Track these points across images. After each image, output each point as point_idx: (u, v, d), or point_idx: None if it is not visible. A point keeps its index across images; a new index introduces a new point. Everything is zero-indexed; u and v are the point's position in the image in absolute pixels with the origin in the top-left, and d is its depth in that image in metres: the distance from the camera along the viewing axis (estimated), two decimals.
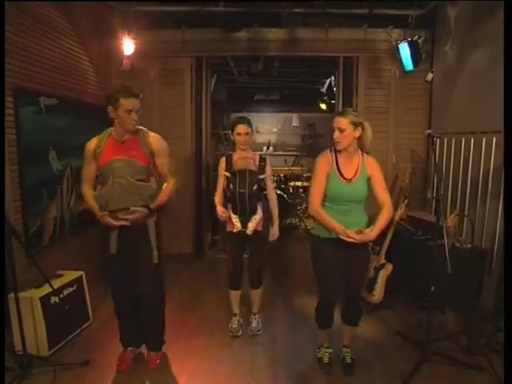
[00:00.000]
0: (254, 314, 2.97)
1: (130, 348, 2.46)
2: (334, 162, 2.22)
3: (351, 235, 2.06)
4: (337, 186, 2.18)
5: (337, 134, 2.14)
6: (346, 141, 2.14)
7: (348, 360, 2.45)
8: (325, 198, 2.20)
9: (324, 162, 2.22)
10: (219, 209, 2.61)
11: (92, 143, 2.21)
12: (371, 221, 2.23)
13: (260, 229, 2.70)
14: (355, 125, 2.13)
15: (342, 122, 2.12)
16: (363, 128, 2.16)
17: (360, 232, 2.08)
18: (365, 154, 2.25)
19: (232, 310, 2.94)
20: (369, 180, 2.22)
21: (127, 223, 2.12)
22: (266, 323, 3.01)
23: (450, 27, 3.90)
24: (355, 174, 2.19)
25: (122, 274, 2.30)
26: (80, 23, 3.68)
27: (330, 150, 2.27)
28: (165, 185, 2.29)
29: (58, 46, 3.34)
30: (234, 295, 2.90)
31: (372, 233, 2.13)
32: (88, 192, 2.23)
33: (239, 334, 2.85)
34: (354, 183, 2.18)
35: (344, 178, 2.18)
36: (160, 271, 2.38)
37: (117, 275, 2.30)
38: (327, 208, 2.21)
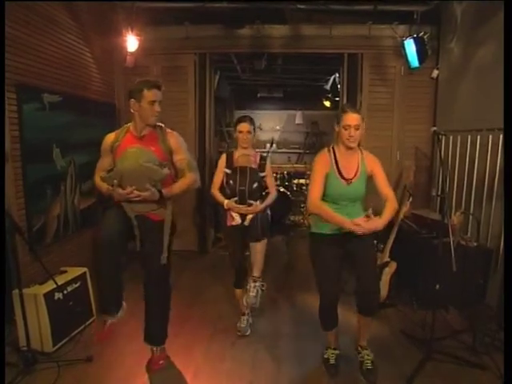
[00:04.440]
0: (254, 281, 2.71)
1: (106, 316, 2.33)
2: (334, 161, 2.18)
3: (358, 222, 1.98)
4: (337, 186, 2.15)
5: (353, 131, 2.08)
6: (359, 137, 2.11)
7: (368, 365, 2.30)
8: (324, 197, 2.16)
9: (322, 161, 2.19)
10: (227, 203, 2.65)
11: (110, 137, 2.21)
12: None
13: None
14: (363, 120, 2.12)
15: (358, 118, 2.08)
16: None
17: (368, 217, 2.01)
18: (363, 151, 2.22)
19: (241, 309, 2.91)
20: (370, 177, 2.19)
21: (135, 197, 2.05)
22: (268, 321, 3.00)
23: (456, 23, 3.86)
24: (355, 174, 2.16)
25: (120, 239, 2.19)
26: (84, 20, 3.67)
27: (329, 150, 2.23)
28: (182, 178, 2.24)
29: (61, 42, 3.34)
30: (240, 294, 2.88)
31: (380, 221, 2.05)
32: (98, 178, 2.20)
33: (247, 333, 2.82)
34: (354, 184, 2.15)
35: (344, 179, 2.15)
36: (169, 267, 2.33)
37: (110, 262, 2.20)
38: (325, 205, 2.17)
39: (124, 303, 2.36)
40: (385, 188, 2.18)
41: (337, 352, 2.43)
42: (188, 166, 2.24)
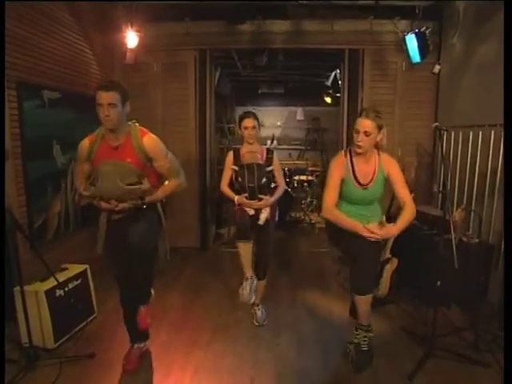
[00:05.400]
0: (257, 305, 3.00)
1: (136, 345, 2.42)
2: (350, 165, 2.16)
3: (373, 230, 1.98)
4: (352, 191, 2.15)
5: (362, 137, 2.06)
6: (369, 144, 2.09)
7: (364, 347, 2.28)
8: (340, 199, 2.16)
9: (338, 166, 2.18)
10: (238, 198, 2.69)
11: (84, 146, 2.13)
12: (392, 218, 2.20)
13: (269, 217, 2.74)
14: (379, 128, 2.08)
15: (369, 124, 2.05)
16: (384, 130, 2.12)
17: (382, 225, 2.01)
18: (381, 153, 2.19)
19: (244, 272, 2.76)
20: (387, 179, 2.17)
21: (119, 209, 2.09)
22: (269, 318, 3.00)
23: (458, 19, 3.82)
24: (371, 179, 2.15)
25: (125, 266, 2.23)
26: (83, 16, 3.65)
27: (345, 153, 2.21)
28: (166, 183, 2.23)
29: (61, 39, 3.33)
30: (245, 250, 2.70)
31: (394, 228, 2.05)
32: (82, 186, 2.21)
33: (252, 300, 2.81)
34: (369, 189, 2.14)
35: (360, 184, 2.14)
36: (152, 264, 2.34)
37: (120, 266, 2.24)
38: (341, 205, 2.18)
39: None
40: (401, 191, 2.15)
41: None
42: (169, 172, 2.20)
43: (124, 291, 2.28)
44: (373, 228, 1.99)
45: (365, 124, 2.05)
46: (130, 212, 2.14)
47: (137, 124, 2.17)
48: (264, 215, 2.70)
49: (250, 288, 2.74)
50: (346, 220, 2.09)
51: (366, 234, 1.99)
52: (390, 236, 2.07)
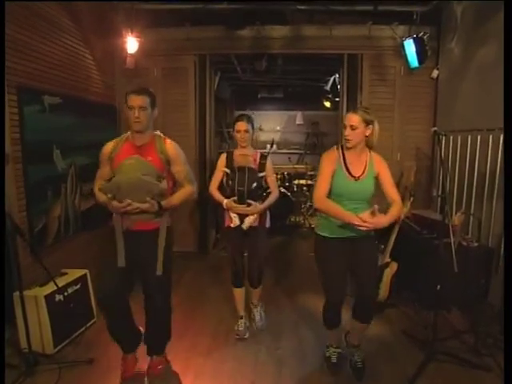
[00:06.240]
0: (255, 306, 2.97)
1: (132, 353, 2.36)
2: (342, 158, 2.19)
3: (364, 218, 1.97)
4: (344, 183, 2.15)
5: (348, 131, 2.12)
6: (356, 138, 2.12)
7: (359, 364, 2.36)
8: (331, 196, 2.16)
9: (330, 159, 2.19)
10: (226, 202, 2.65)
11: (108, 146, 2.19)
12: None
13: (257, 225, 2.69)
14: (367, 123, 2.12)
15: (355, 119, 2.10)
16: (373, 126, 2.15)
17: (373, 214, 2.01)
18: (372, 152, 2.23)
19: (238, 312, 2.89)
20: (376, 178, 2.19)
21: (133, 209, 2.03)
22: (269, 322, 3.00)
23: (455, 23, 3.86)
24: (363, 172, 2.17)
25: (122, 285, 2.16)
26: (84, 21, 3.67)
27: (337, 148, 2.24)
28: (181, 189, 2.24)
29: (61, 44, 3.34)
30: (239, 294, 2.86)
31: (385, 218, 2.05)
32: (97, 188, 2.19)
33: (246, 336, 2.80)
34: (361, 181, 2.15)
35: (352, 176, 2.16)
36: (169, 279, 2.28)
37: (117, 286, 2.14)
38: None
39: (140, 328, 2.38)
40: (391, 190, 2.18)
41: (339, 350, 2.44)
42: (186, 178, 2.23)
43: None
44: (365, 217, 1.99)
45: (351, 118, 2.11)
46: (144, 217, 2.10)
47: (161, 134, 2.25)
48: (249, 221, 2.64)
49: (244, 325, 2.85)
50: (338, 210, 2.08)
51: (357, 222, 1.99)
52: (380, 226, 2.05)
